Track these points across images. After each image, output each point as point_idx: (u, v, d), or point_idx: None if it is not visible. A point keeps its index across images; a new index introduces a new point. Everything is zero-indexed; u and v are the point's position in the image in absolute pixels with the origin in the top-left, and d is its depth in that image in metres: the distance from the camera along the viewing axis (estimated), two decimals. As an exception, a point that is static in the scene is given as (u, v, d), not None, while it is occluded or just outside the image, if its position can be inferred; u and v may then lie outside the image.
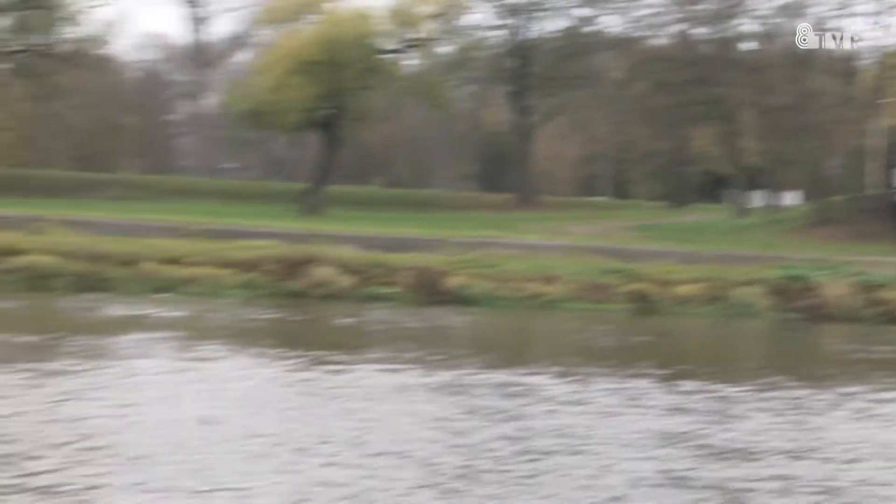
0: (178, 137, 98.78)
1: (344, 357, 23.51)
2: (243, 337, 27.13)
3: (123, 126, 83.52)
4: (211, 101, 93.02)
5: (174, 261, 38.99)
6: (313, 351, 23.89)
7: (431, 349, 25.86)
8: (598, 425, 16.72)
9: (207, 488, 11.86)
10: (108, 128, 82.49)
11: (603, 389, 20.29)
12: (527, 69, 78.19)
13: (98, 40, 68.77)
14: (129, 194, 64.35)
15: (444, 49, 76.17)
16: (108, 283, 37.17)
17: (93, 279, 37.21)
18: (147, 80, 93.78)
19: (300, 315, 33.36)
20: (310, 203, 64.76)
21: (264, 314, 33.28)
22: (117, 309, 31.48)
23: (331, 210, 63.44)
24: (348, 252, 41.81)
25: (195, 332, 27.53)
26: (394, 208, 67.92)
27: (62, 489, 11.47)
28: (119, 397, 17.18)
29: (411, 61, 74.68)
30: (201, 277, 38.35)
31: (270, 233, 45.24)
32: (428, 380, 20.58)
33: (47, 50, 66.61)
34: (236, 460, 13.38)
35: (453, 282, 38.81)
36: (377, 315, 33.58)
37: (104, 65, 73.96)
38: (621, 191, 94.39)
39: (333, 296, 38.12)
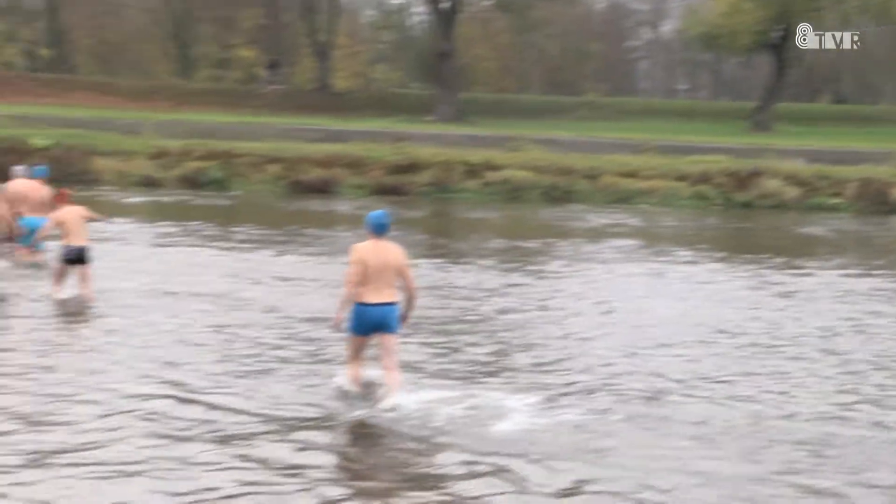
0: (637, 62, 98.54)
1: (808, 262, 22.71)
2: (705, 243, 26.79)
3: (589, 53, 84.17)
4: (668, 27, 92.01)
5: (632, 174, 39.25)
6: (777, 257, 23.28)
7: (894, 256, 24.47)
8: None
9: (691, 379, 11.69)
10: (576, 55, 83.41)
11: None
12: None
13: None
14: (593, 115, 64.84)
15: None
16: (573, 195, 37.94)
17: (560, 191, 38.10)
18: (611, 10, 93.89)
19: (753, 224, 32.63)
20: (758, 120, 62.92)
21: (719, 223, 32.86)
22: (586, 218, 32.06)
23: (778, 126, 61.32)
24: (795, 165, 40.44)
25: (659, 238, 27.53)
26: (841, 123, 64.54)
27: (554, 371, 11.72)
28: (601, 296, 17.42)
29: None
30: (656, 189, 38.36)
31: (720, 148, 44.45)
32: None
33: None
34: (722, 353, 13.15)
35: (900, 192, 36.72)
36: (830, 224, 32.24)
37: (574, -3, 74.71)
38: None
39: (780, 206, 37.12)
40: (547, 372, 11.81)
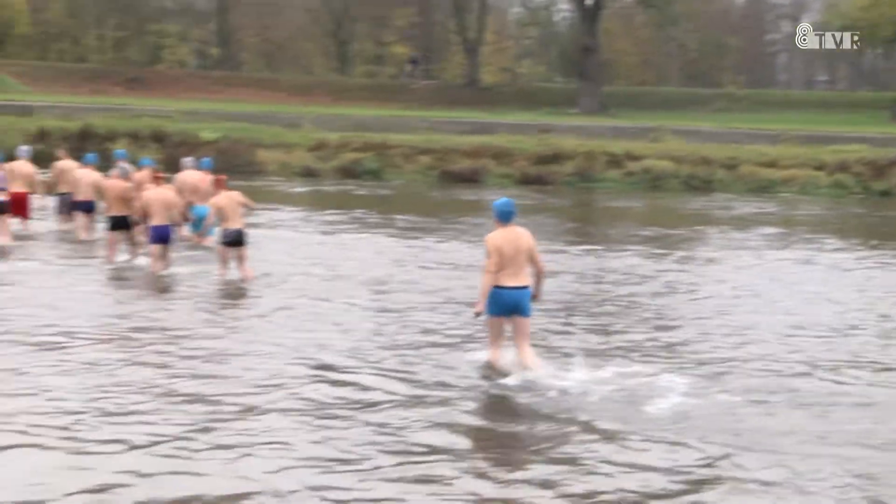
0: (776, 54, 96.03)
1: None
2: (850, 231, 26.06)
3: (728, 46, 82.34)
4: (808, 20, 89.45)
5: (771, 164, 38.41)
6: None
7: None
8: None
9: (845, 364, 11.30)
10: (715, 48, 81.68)
11: None
12: None
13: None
14: (731, 107, 63.43)
15: None
16: (712, 184, 37.27)
17: (699, 180, 37.47)
18: (751, 4, 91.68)
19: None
20: (899, 110, 60.79)
21: (861, 211, 31.83)
22: (731, 206, 31.49)
23: (919, 116, 59.15)
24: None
25: (804, 226, 26.78)
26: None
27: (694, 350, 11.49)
28: (752, 281, 17.04)
29: None
30: (795, 178, 37.43)
31: (859, 137, 43.05)
32: None
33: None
34: (874, 338, 12.76)
35: None
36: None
37: (713, -8, 73.18)
38: None
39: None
40: (699, 353, 11.61)
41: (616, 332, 12.69)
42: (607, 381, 10.03)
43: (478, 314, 10.24)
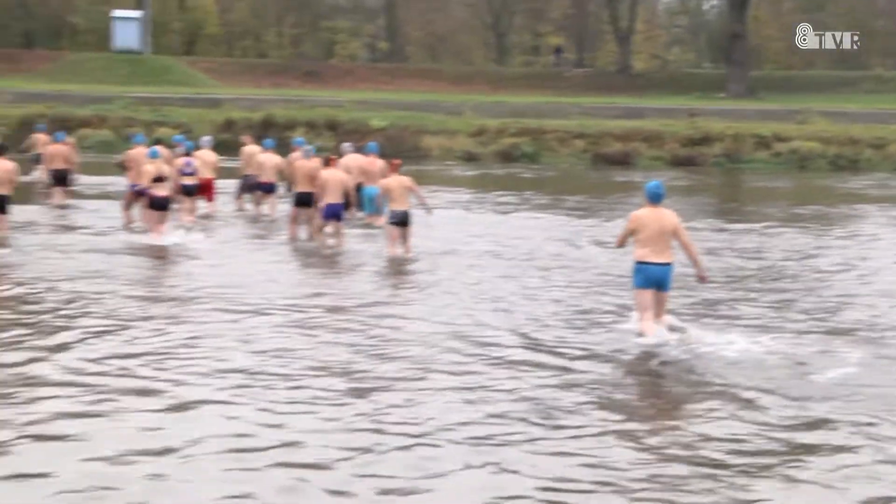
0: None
1: None
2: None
3: (875, 29, 78.92)
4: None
5: (919, 143, 36.79)
6: None
7: None
8: None
9: None
10: (863, 31, 78.41)
11: None
12: None
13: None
14: (879, 88, 60.74)
15: None
16: (859, 164, 35.99)
17: (846, 160, 36.23)
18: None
19: None
20: None
21: None
22: (888, 185, 30.38)
23: None
24: None
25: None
26: None
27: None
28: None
29: None
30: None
31: None
32: None
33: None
34: None
35: None
36: None
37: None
38: None
39: None
40: (868, 325, 11.24)
41: (783, 305, 12.34)
42: (774, 350, 9.82)
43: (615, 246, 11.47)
